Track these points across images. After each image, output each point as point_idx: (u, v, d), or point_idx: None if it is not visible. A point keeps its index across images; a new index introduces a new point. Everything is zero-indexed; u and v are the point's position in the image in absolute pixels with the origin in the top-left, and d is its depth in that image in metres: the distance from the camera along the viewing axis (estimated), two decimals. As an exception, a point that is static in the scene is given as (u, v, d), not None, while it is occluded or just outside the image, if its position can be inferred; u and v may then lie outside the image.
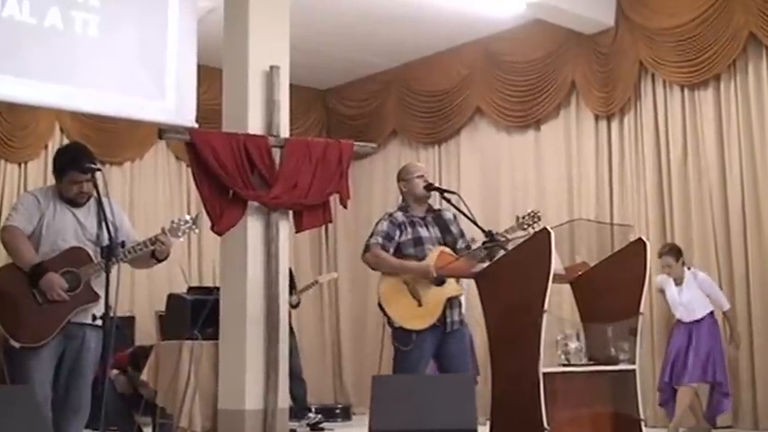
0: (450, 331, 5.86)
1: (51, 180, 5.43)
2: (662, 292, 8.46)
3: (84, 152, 5.27)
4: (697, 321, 8.14)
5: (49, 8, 6.16)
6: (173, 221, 5.37)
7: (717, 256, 8.70)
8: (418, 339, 5.74)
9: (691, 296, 8.19)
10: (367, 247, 5.93)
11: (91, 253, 5.13)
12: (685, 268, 8.29)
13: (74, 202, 5.20)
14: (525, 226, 5.82)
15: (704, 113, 8.95)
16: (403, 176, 6.14)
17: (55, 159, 5.34)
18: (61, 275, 5.01)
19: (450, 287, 5.86)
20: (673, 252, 8.31)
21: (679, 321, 8.28)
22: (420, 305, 5.78)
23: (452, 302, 5.89)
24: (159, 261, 5.36)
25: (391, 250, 5.90)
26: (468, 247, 5.96)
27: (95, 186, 5.06)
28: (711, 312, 8.18)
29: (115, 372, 7.54)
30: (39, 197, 5.22)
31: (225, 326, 6.66)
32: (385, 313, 5.84)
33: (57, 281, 4.97)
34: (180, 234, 5.34)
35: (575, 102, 10.04)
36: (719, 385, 8.07)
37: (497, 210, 10.40)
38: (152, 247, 5.20)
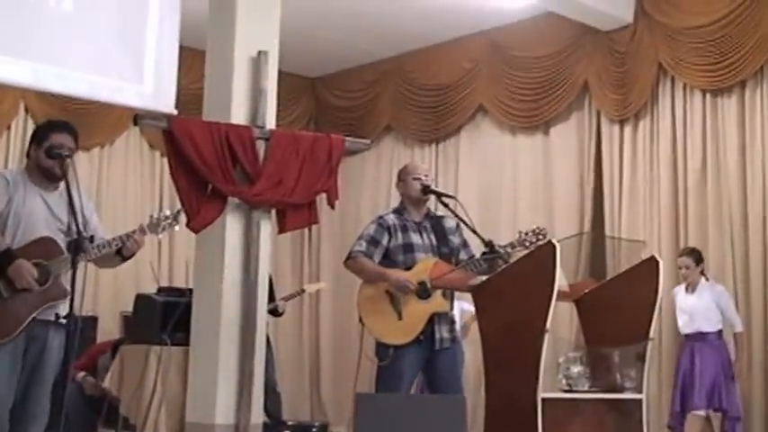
0: (439, 349, 5.88)
1: (13, 163, 5.42)
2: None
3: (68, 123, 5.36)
4: (701, 339, 8.15)
5: (19, -22, 6.13)
6: (151, 216, 5.35)
7: (734, 277, 8.72)
8: (395, 355, 5.76)
9: (699, 306, 8.20)
10: (350, 254, 5.99)
11: (62, 245, 5.08)
12: (702, 278, 8.34)
13: (50, 176, 5.12)
14: (528, 243, 5.80)
15: (726, 122, 8.97)
16: (401, 176, 6.22)
17: (35, 130, 5.39)
18: None
19: (436, 302, 5.87)
20: (694, 255, 8.36)
21: (684, 338, 8.31)
22: (400, 318, 5.81)
23: (440, 318, 5.91)
24: (125, 259, 5.35)
25: (377, 257, 5.95)
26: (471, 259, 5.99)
27: (65, 171, 5.02)
28: (720, 332, 8.20)
29: (82, 374, 7.54)
30: (7, 177, 5.13)
31: (197, 332, 6.64)
32: (362, 323, 5.89)
33: (27, 268, 4.90)
34: (159, 231, 5.33)
35: (587, 103, 10.06)
36: (726, 412, 8.09)
37: (497, 219, 10.39)
38: (126, 243, 5.18)
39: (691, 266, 8.30)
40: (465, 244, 6.15)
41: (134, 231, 5.23)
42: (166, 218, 5.35)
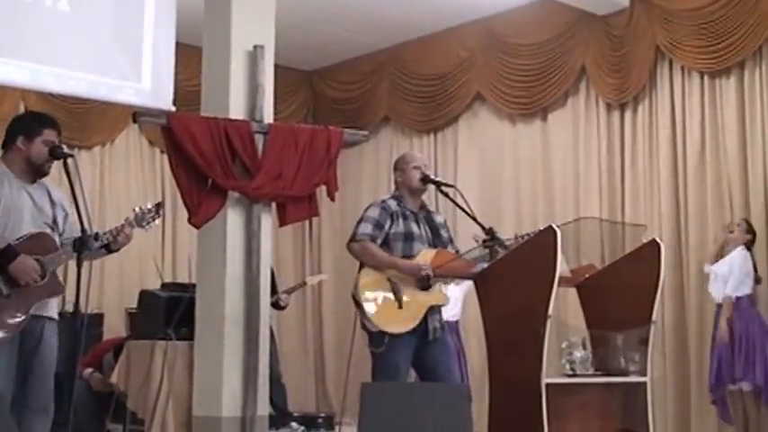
0: (432, 339, 5.89)
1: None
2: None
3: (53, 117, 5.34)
4: (736, 304, 8.04)
5: (15, -21, 6.16)
6: (135, 210, 5.34)
7: (735, 260, 8.73)
8: (391, 344, 5.76)
9: (723, 269, 8.17)
10: (354, 236, 5.95)
11: (57, 240, 5.11)
12: (742, 246, 8.22)
13: (41, 172, 5.14)
14: None
15: (725, 104, 8.98)
16: (399, 166, 6.19)
17: (20, 122, 5.29)
18: None
19: (435, 295, 5.89)
20: (746, 222, 8.34)
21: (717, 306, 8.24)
22: (400, 307, 5.81)
23: (433, 309, 5.92)
24: (111, 252, 5.33)
25: (379, 240, 5.93)
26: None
27: (68, 170, 5.03)
28: (750, 295, 8.11)
29: (89, 370, 7.59)
30: None
31: (201, 326, 6.69)
32: (360, 309, 5.86)
33: (31, 264, 4.92)
34: (144, 224, 5.34)
35: (584, 89, 10.08)
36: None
37: (498, 206, 10.45)
38: (118, 238, 5.17)
39: (743, 227, 8.27)
40: (451, 240, 6.17)
41: (122, 226, 5.21)
42: (149, 210, 5.35)
